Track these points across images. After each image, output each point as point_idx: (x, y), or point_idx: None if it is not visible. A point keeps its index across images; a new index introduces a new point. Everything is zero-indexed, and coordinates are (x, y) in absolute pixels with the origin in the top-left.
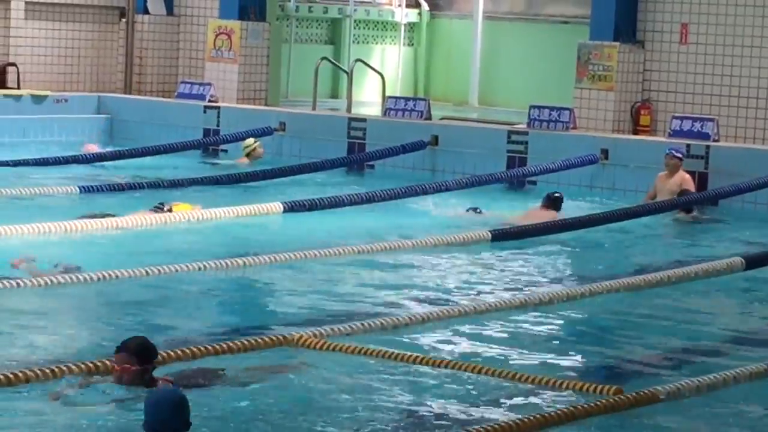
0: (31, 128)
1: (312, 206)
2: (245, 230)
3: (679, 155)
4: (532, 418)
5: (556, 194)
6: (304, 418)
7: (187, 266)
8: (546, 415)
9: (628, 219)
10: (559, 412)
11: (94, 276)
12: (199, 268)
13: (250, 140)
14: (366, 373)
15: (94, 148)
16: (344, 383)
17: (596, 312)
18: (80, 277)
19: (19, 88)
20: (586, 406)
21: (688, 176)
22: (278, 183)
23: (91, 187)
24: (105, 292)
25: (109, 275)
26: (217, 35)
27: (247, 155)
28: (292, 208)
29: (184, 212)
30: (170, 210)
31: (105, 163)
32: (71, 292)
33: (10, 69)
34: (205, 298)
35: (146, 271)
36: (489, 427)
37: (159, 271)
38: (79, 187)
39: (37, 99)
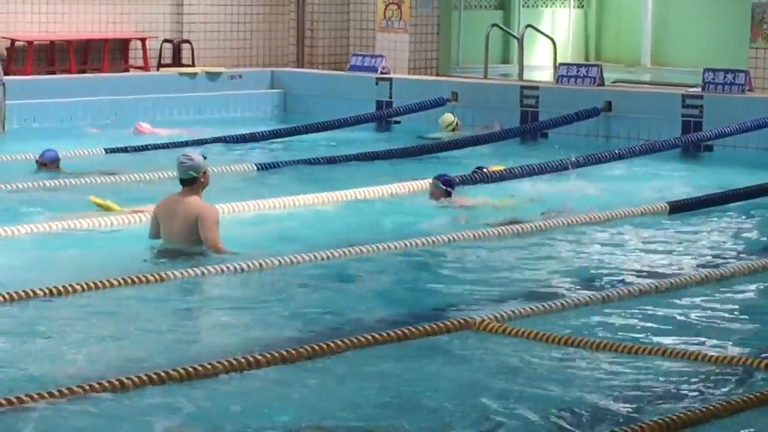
0: (207, 105)
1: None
2: (417, 208)
3: None
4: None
5: None
6: (479, 403)
7: (359, 248)
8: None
9: None
10: (745, 398)
11: (269, 261)
12: (370, 251)
13: (449, 116)
14: (548, 358)
15: (146, 128)
16: (524, 369)
17: None
18: (251, 264)
19: (193, 65)
20: None
21: None
22: (447, 156)
23: (269, 164)
24: (278, 276)
25: (283, 261)
26: (387, 5)
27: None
28: (464, 181)
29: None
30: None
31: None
32: (243, 277)
33: (185, 46)
34: (378, 280)
35: (325, 255)
36: (676, 417)
37: (329, 255)
38: (255, 164)
39: (212, 76)
